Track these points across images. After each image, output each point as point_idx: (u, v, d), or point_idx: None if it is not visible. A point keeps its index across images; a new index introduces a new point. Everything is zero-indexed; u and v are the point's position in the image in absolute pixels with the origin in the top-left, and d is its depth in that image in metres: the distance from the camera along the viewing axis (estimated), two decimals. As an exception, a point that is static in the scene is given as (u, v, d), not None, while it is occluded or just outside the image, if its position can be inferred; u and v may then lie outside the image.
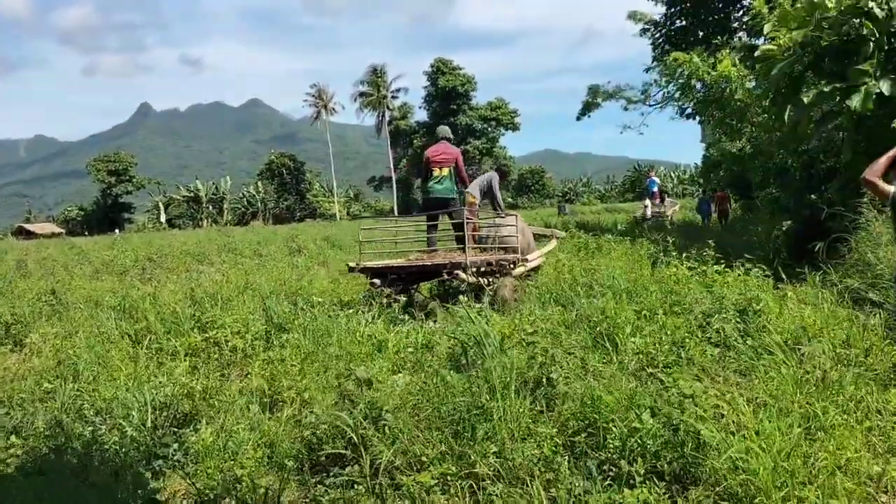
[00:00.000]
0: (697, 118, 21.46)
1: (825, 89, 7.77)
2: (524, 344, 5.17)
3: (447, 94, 67.03)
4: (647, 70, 27.88)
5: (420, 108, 72.62)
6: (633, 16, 37.65)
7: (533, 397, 4.39)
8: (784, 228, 10.78)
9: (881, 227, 7.02)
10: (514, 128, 70.20)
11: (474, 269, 8.10)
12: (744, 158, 17.43)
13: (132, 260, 17.85)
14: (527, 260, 9.35)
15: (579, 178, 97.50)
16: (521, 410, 4.07)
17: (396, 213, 69.00)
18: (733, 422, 3.71)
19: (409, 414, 4.19)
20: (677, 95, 14.43)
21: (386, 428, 3.98)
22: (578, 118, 47.00)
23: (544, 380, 4.62)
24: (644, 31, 32.46)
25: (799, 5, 8.81)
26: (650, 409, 3.87)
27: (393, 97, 73.69)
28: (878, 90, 7.43)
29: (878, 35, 7.50)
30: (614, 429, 3.80)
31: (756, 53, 9.68)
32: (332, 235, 26.89)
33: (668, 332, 5.74)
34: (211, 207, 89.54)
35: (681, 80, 12.86)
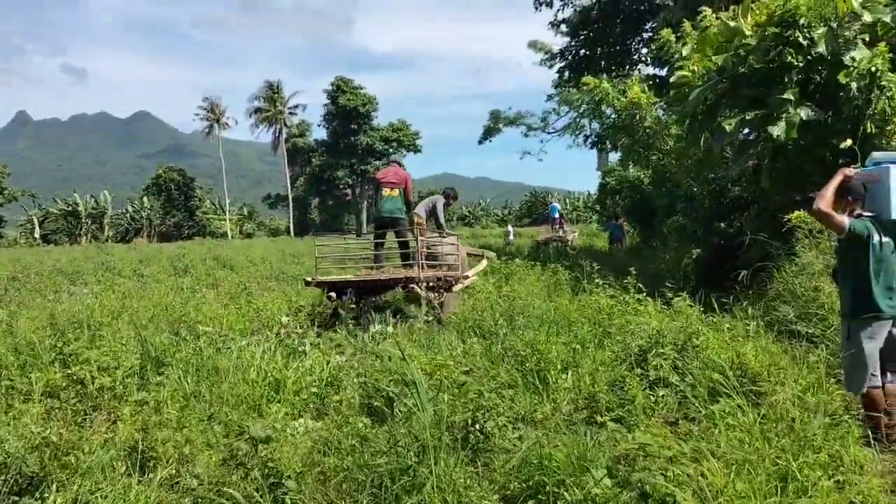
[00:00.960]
0: (598, 146, 21.72)
1: (748, 116, 7.63)
2: (453, 386, 4.50)
3: (348, 113, 65.88)
4: (549, 98, 28.18)
5: (319, 126, 71.15)
6: (533, 45, 38.35)
7: (466, 454, 3.72)
8: (694, 257, 10.69)
9: (812, 257, 6.87)
10: (416, 150, 69.86)
11: (425, 284, 8.68)
12: (642, 186, 17.65)
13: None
14: (466, 277, 9.94)
15: (478, 202, 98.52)
16: (455, 474, 3.38)
17: (292, 234, 67.08)
18: (702, 481, 3.18)
19: (317, 479, 3.41)
20: (585, 121, 14.29)
21: (287, 499, 3.19)
22: (480, 142, 47.37)
23: (477, 431, 3.96)
24: (544, 60, 33.01)
25: (715, 31, 8.73)
26: (607, 467, 3.29)
27: (290, 114, 71.79)
28: (799, 118, 7.35)
29: (798, 63, 7.44)
30: (567, 494, 3.18)
31: (671, 79, 9.55)
32: (223, 255, 25.29)
33: (603, 369, 5.23)
34: (90, 223, 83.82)
35: (591, 105, 12.72)
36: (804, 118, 7.32)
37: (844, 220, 4.36)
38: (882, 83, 7.20)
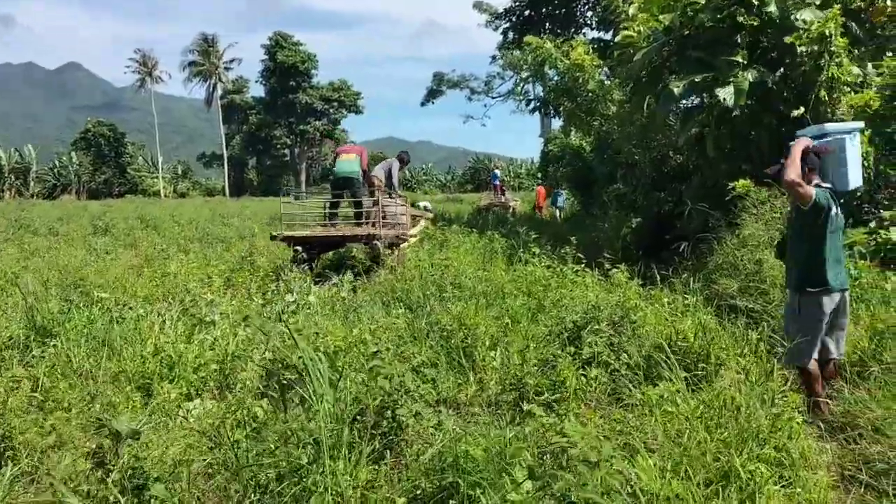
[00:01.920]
0: (541, 111, 21.33)
1: (696, 79, 7.26)
2: (364, 365, 4.01)
3: (286, 70, 63.56)
4: (493, 60, 27.58)
5: (257, 83, 68.59)
6: (478, 6, 37.54)
7: (375, 446, 3.26)
8: (633, 226, 10.43)
9: (755, 228, 6.58)
10: (357, 110, 68.11)
11: (385, 241, 9.56)
12: (583, 153, 17.35)
13: None
14: (413, 235, 11.42)
15: (420, 167, 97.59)
16: (356, 469, 2.91)
17: (227, 194, 65.13)
18: (635, 482, 2.80)
19: (193, 480, 2.89)
20: (528, 86, 13.73)
21: (153, 505, 2.67)
22: (423, 104, 46.52)
23: (388, 417, 3.50)
24: (489, 22, 32.31)
25: (664, -12, 8.31)
26: (528, 468, 2.86)
27: (226, 69, 68.93)
28: (748, 83, 7.02)
29: (749, 23, 7.09)
30: (483, 498, 2.75)
31: (616, 39, 9.12)
32: (150, 214, 24.03)
33: (534, 347, 4.83)
34: (14, 178, 79.59)
35: (533, 67, 12.21)
36: (751, 80, 6.99)
37: (811, 190, 4.20)
38: (832, 48, 6.92)
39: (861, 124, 4.68)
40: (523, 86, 13.49)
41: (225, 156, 70.20)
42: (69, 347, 4.95)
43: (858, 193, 5.23)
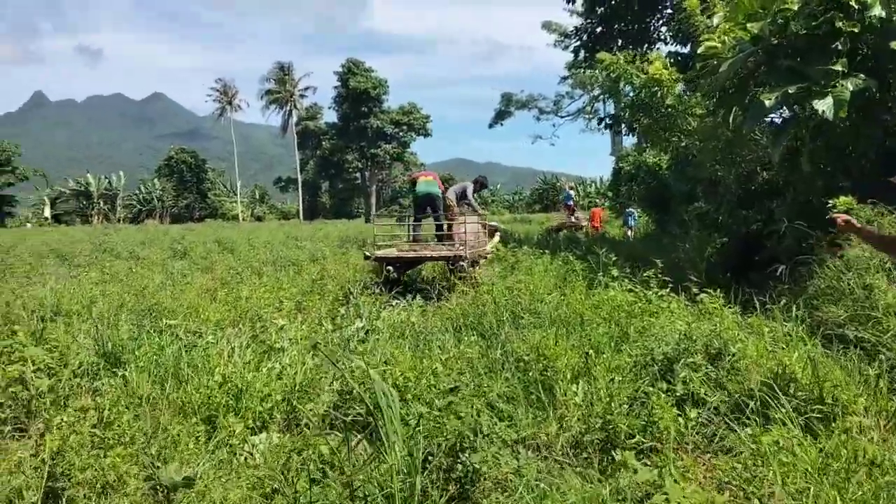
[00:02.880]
0: (613, 128, 20.78)
1: (789, 90, 6.73)
2: (434, 400, 3.71)
3: (358, 96, 64.80)
4: (562, 80, 27.19)
5: (330, 108, 70.17)
6: (547, 26, 37.24)
7: (448, 492, 2.95)
8: (718, 246, 9.81)
9: (861, 250, 5.99)
10: (426, 133, 68.72)
11: (470, 260, 10.01)
12: (660, 171, 16.69)
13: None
14: (488, 253, 11.81)
15: (488, 188, 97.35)
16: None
17: (301, 217, 66.49)
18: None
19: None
20: (599, 100, 13.27)
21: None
22: (491, 125, 46.47)
23: (464, 462, 3.19)
24: (559, 41, 31.90)
25: (750, -4, 7.81)
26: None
27: (301, 96, 70.87)
28: (848, 93, 6.44)
29: (849, 29, 6.53)
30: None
31: (699, 51, 8.64)
32: (226, 237, 24.58)
33: (621, 381, 4.43)
34: (102, 203, 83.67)
35: (607, 84, 11.80)
36: (852, 89, 6.41)
37: None
38: None
39: None
40: (593, 104, 13.02)
41: (299, 180, 71.89)
42: (137, 377, 4.86)
43: None
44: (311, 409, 4.25)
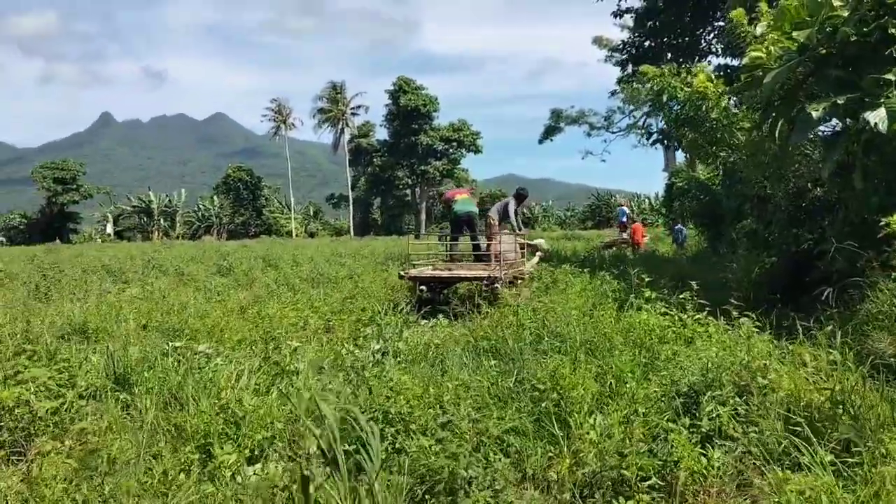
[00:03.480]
0: (664, 143, 20.26)
1: (839, 101, 6.29)
2: (432, 436, 3.47)
3: (409, 113, 65.27)
4: (612, 94, 26.75)
5: (381, 125, 70.89)
6: (597, 41, 36.79)
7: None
8: (768, 266, 9.30)
9: None
10: (477, 150, 68.68)
11: (507, 281, 9.86)
12: (711, 187, 16.10)
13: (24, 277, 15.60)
14: (528, 272, 11.49)
15: (541, 204, 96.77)
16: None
17: (352, 234, 67.08)
18: None
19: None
20: (649, 115, 12.85)
21: None
22: (541, 141, 46.05)
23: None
24: (608, 57, 31.44)
25: (797, 4, 7.39)
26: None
27: (353, 114, 71.85)
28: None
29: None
30: None
31: (743, 61, 8.22)
32: (273, 253, 24.80)
33: (643, 414, 4.10)
34: (162, 220, 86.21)
35: (650, 97, 11.42)
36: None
37: None
38: None
39: None
40: (645, 119, 12.60)
41: (350, 197, 72.74)
42: (142, 400, 4.75)
43: None
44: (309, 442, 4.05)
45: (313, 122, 74.83)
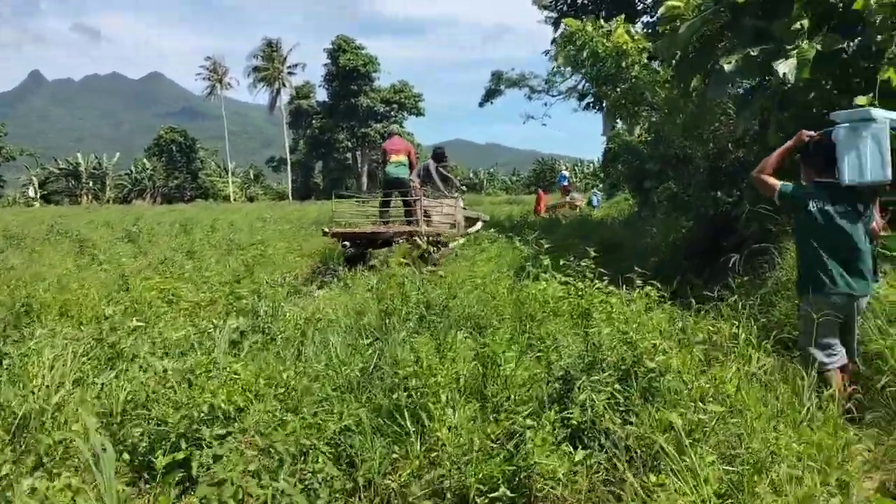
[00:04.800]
0: (595, 106, 19.80)
1: (752, 52, 5.76)
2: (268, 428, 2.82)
3: (348, 73, 63.25)
4: (545, 53, 26.07)
5: (319, 86, 68.66)
6: (537, 2, 35.88)
7: None
8: (685, 231, 8.90)
9: None
10: (419, 112, 67.20)
11: (427, 238, 9.78)
12: (640, 148, 15.70)
13: None
14: (458, 236, 11.55)
15: (486, 169, 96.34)
16: None
17: (291, 198, 65.52)
18: None
19: None
20: (558, 72, 12.00)
21: None
22: (481, 104, 45.14)
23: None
24: (548, 18, 30.66)
25: (715, -54, 6.80)
26: None
27: (290, 73, 69.35)
28: (814, 52, 5.48)
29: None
30: None
31: (659, 12, 7.66)
32: (196, 219, 23.55)
33: (504, 405, 3.53)
34: (91, 183, 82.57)
35: (572, 53, 10.78)
36: (820, 50, 5.45)
37: (776, 182, 4.18)
38: None
39: (876, 112, 3.96)
40: (555, 71, 11.76)
41: (288, 159, 70.81)
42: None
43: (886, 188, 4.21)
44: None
45: (247, 80, 72.17)
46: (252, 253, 10.82)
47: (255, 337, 4.99)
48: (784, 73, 5.32)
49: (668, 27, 7.73)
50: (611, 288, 5.65)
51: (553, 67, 10.94)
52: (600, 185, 54.19)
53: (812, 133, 4.13)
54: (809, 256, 4.06)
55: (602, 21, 11.08)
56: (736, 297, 5.11)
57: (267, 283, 7.21)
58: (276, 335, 5.24)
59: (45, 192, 78.34)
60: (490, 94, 44.48)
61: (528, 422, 3.10)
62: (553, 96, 40.25)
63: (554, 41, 25.95)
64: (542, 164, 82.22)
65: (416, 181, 12.59)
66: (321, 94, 70.04)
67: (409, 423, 3.43)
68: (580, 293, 5.55)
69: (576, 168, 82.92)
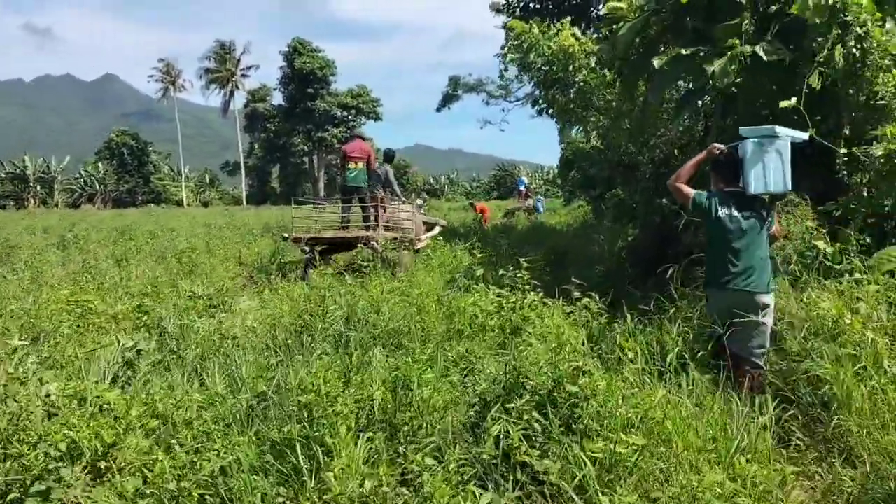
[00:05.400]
0: (549, 112, 19.61)
1: (684, 51, 5.53)
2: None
3: (304, 77, 62.28)
4: (498, 57, 25.88)
5: (275, 89, 67.50)
6: (494, 6, 35.77)
7: None
8: (630, 238, 8.67)
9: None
10: (377, 117, 66.43)
11: (383, 243, 10.06)
12: (593, 154, 15.55)
13: None
14: (420, 240, 11.81)
15: (446, 174, 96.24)
16: None
17: (245, 203, 64.43)
18: None
19: None
20: (520, 78, 11.73)
21: None
22: (438, 109, 44.90)
23: None
24: (504, 24, 30.53)
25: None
26: None
27: (243, 76, 68.16)
28: (750, 53, 5.26)
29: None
30: None
31: (601, 12, 7.42)
32: (137, 223, 22.70)
33: (419, 434, 3.16)
34: (39, 187, 79.98)
35: (518, 55, 10.51)
36: (762, 55, 5.23)
37: (690, 192, 4.47)
38: (847, 17, 5.15)
39: (778, 129, 4.30)
40: (502, 75, 11.27)
41: (241, 164, 69.61)
42: None
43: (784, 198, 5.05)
44: None
45: (200, 83, 70.74)
46: (182, 261, 10.26)
47: (154, 357, 4.53)
48: (714, 72, 5.08)
49: (610, 28, 7.51)
50: (547, 300, 5.35)
51: (501, 70, 10.46)
52: (545, 191, 54.61)
53: (722, 146, 4.46)
54: (716, 257, 4.35)
55: (537, 21, 10.83)
56: (674, 309, 4.83)
57: (189, 294, 6.73)
58: (181, 354, 4.80)
59: (-10, 196, 75.63)
60: (447, 99, 44.22)
61: (428, 461, 2.73)
62: (510, 102, 40.20)
63: (503, 45, 25.79)
64: (501, 170, 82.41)
65: (378, 191, 12.46)
66: (277, 98, 69.03)
67: (301, 461, 3.03)
68: (511, 307, 5.23)
69: (536, 174, 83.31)
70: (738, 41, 5.43)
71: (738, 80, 5.57)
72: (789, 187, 4.32)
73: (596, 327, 4.91)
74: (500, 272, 6.17)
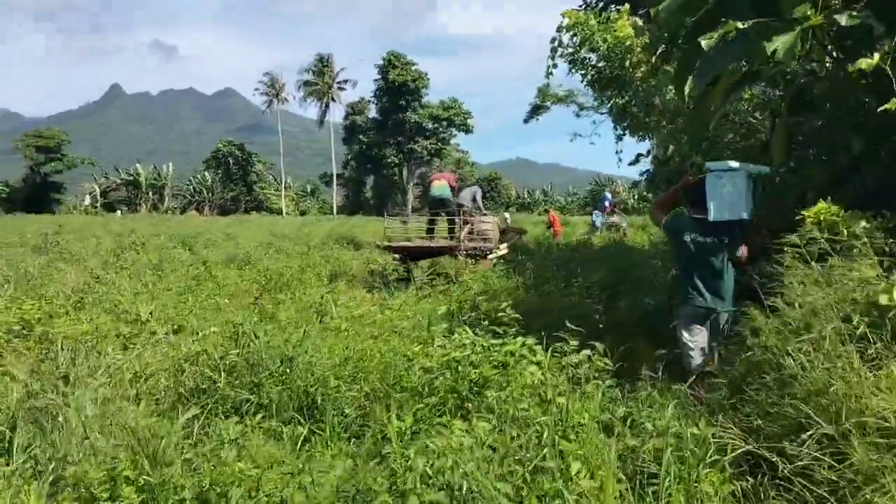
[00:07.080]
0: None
1: (741, 25, 4.17)
2: None
3: (397, 89, 62.41)
4: (549, 55, 24.39)
5: (369, 102, 68.15)
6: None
7: None
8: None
9: (823, 292, 3.34)
10: (467, 129, 65.64)
11: (465, 252, 11.47)
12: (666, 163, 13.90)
13: None
14: (498, 248, 13.00)
15: (541, 188, 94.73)
16: None
17: (335, 213, 65.23)
18: None
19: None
20: (570, 71, 10.05)
21: None
22: (526, 121, 43.63)
23: None
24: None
25: None
26: None
27: (340, 88, 69.16)
28: (829, 27, 3.86)
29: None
30: None
31: (651, -11, 6.06)
32: (207, 232, 22.56)
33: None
34: (151, 193, 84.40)
35: (570, 50, 9.18)
36: (844, 24, 3.81)
37: (662, 218, 5.11)
38: None
39: (734, 164, 4.62)
40: (548, 73, 9.59)
41: (334, 175, 70.79)
42: None
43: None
44: None
45: (299, 94, 72.67)
46: (192, 274, 9.56)
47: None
48: (776, 50, 3.70)
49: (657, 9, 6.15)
50: (535, 348, 4.11)
51: (548, 68, 8.87)
52: (631, 207, 52.20)
53: (691, 177, 4.96)
54: (683, 276, 4.87)
55: (595, 12, 9.45)
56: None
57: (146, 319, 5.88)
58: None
59: (107, 201, 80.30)
60: (535, 110, 42.81)
61: None
62: (602, 114, 38.38)
63: (552, 38, 24.03)
64: (597, 185, 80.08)
65: (467, 203, 14.02)
66: (374, 111, 69.76)
67: None
68: (495, 358, 4.02)
69: (630, 189, 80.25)
70: (811, 10, 4.03)
71: (813, 63, 4.17)
72: (745, 216, 4.58)
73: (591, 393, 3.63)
74: (471, 315, 4.98)
